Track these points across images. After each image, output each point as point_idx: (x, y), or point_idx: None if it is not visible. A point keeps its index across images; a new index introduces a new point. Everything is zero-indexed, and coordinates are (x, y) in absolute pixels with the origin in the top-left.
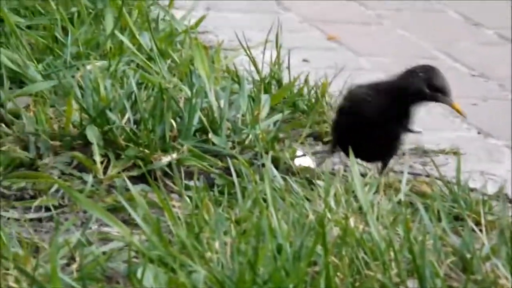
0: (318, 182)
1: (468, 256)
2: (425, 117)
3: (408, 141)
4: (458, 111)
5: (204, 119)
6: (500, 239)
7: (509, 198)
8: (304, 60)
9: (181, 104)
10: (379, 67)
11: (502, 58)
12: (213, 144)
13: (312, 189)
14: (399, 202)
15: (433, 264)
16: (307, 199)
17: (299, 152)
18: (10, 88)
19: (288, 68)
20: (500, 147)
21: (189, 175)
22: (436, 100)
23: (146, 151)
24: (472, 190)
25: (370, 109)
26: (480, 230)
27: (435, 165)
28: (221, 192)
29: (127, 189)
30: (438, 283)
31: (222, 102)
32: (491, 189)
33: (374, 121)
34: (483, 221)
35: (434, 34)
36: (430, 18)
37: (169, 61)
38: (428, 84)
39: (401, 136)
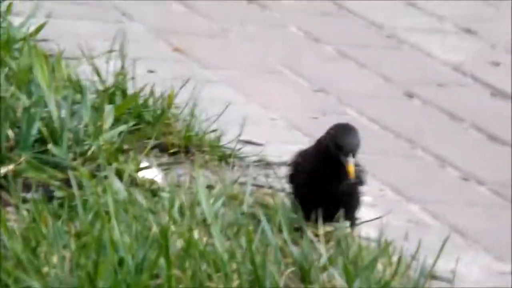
0: (163, 194)
1: (307, 266)
2: (269, 129)
3: (251, 153)
4: (349, 172)
5: (43, 129)
6: (337, 249)
7: None
8: (150, 71)
9: (19, 114)
10: (225, 80)
11: (342, 74)
12: (53, 155)
13: (156, 202)
14: (242, 214)
15: (273, 274)
16: (152, 212)
17: (144, 164)
18: None
19: (133, 78)
20: None
21: (27, 188)
22: (338, 157)
23: None
24: None
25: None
26: (319, 241)
27: (278, 177)
28: (61, 205)
29: None
30: None
31: (63, 112)
32: None
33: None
34: (321, 232)
35: (278, 48)
36: (274, 33)
37: (6, 70)
38: (334, 142)
39: (348, 190)
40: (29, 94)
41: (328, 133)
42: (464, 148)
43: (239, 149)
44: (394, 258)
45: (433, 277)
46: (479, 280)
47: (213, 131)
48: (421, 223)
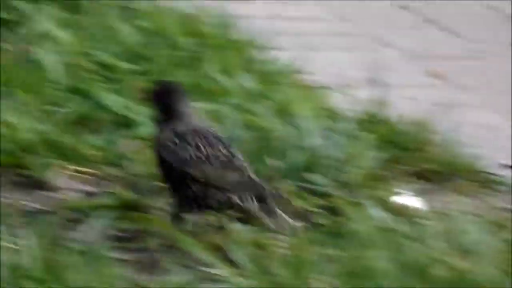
0: (424, 221)
1: None
2: None
3: None
4: None
5: (306, 158)
6: None
7: None
8: (407, 98)
9: (277, 143)
10: (486, 104)
11: None
12: (312, 183)
13: (417, 229)
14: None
15: None
16: (414, 240)
17: (402, 190)
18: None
19: (389, 105)
20: None
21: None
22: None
23: None
24: None
25: None
26: None
27: None
28: (324, 232)
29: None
30: None
31: (321, 141)
32: None
33: None
34: None
35: None
36: None
37: (269, 102)
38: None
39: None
40: (295, 126)
41: None
42: None
43: (502, 175)
44: None
45: None
46: None
47: (474, 156)
48: None
